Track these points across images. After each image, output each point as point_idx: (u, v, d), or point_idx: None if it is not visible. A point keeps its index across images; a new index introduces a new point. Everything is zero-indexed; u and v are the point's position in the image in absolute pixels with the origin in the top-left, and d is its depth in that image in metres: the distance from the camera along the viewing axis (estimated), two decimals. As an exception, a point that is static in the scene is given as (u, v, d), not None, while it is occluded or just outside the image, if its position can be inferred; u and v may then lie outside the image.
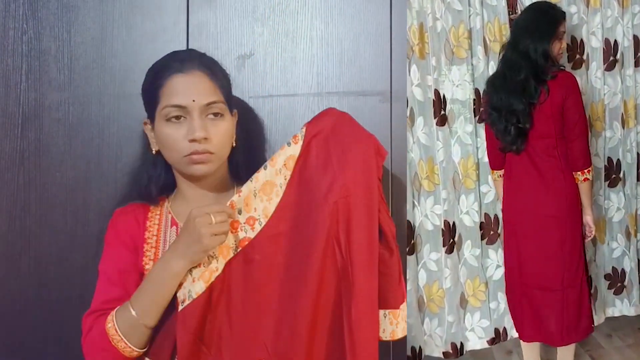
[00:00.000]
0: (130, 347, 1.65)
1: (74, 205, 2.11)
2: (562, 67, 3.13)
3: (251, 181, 1.73)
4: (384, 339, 1.79)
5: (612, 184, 3.69)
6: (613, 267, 3.77)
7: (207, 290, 1.67)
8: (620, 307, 3.79)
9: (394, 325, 1.79)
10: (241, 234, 1.72)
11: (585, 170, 3.12)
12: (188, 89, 1.70)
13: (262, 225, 1.72)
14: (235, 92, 1.91)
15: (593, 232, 3.23)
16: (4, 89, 2.09)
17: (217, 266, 1.69)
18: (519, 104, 3.02)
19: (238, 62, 2.08)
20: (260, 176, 1.73)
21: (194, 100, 1.69)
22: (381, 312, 1.78)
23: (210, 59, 1.82)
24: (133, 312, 1.65)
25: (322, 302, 1.72)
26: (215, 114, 1.73)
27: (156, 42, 2.08)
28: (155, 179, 1.86)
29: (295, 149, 1.74)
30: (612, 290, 3.78)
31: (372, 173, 1.75)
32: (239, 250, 1.71)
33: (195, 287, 1.67)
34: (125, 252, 1.78)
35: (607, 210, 3.75)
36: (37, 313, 2.10)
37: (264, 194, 1.73)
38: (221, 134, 1.74)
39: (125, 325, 1.65)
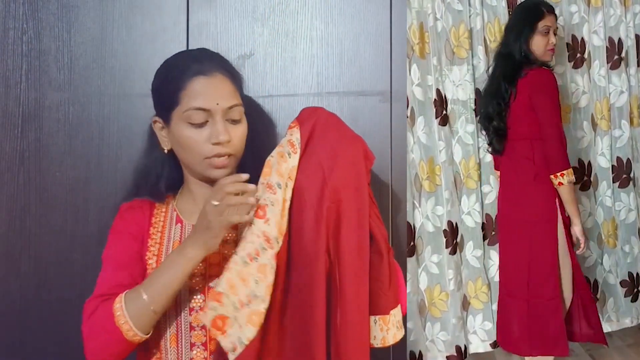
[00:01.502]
0: (133, 330, 1.64)
1: (74, 205, 2.11)
2: (546, 65, 3.06)
3: (273, 205, 1.67)
4: (375, 345, 1.77)
5: (623, 184, 3.66)
6: (629, 272, 3.73)
7: (259, 332, 1.63)
8: (637, 315, 3.74)
9: (384, 331, 1.77)
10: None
11: (559, 174, 3.00)
12: (211, 92, 1.70)
13: (280, 244, 1.67)
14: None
15: (583, 245, 3.09)
16: (4, 89, 2.09)
17: (265, 307, 1.64)
18: (491, 105, 3.00)
19: (238, 62, 2.08)
20: (279, 197, 1.68)
21: (217, 104, 1.70)
22: (371, 318, 1.76)
23: (227, 60, 1.83)
24: (144, 295, 1.64)
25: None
26: (235, 121, 1.73)
27: (156, 42, 2.09)
28: (165, 177, 1.86)
29: (295, 160, 1.71)
30: (630, 297, 3.74)
31: (362, 176, 1.73)
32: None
33: (245, 332, 1.62)
34: (133, 241, 1.79)
35: (619, 212, 3.72)
36: (37, 313, 2.10)
37: (284, 211, 1.69)
38: (240, 136, 1.75)
39: (133, 308, 1.64)
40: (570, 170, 3.01)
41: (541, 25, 3.03)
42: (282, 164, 1.70)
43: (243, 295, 1.62)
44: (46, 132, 2.10)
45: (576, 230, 3.07)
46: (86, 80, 2.10)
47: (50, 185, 2.10)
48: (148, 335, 1.69)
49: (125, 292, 1.68)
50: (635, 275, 3.70)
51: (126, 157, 2.08)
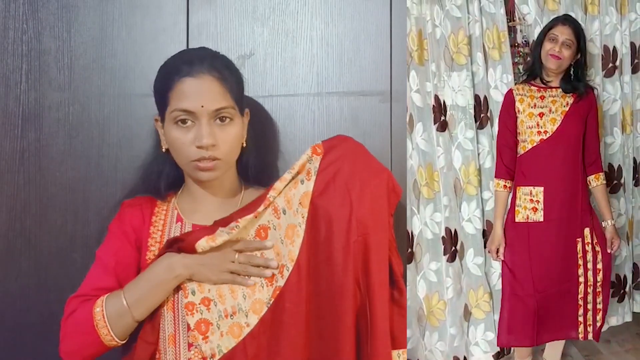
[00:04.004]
0: (111, 335, 1.66)
1: (74, 205, 2.11)
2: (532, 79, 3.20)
3: (274, 229, 1.72)
4: None
5: (614, 190, 3.67)
6: (617, 274, 3.74)
7: (239, 345, 1.67)
8: (622, 314, 3.75)
9: None
10: (274, 284, 1.71)
11: None
12: (197, 94, 1.68)
13: (290, 271, 1.70)
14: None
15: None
16: (4, 89, 2.09)
17: (247, 322, 1.69)
18: None
19: (238, 62, 2.07)
20: (282, 222, 1.72)
21: (202, 106, 1.68)
22: (395, 352, 1.77)
23: (222, 60, 1.80)
24: (124, 302, 1.66)
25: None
26: (223, 119, 1.72)
27: (156, 42, 2.09)
28: (165, 175, 1.85)
29: (308, 186, 1.72)
30: (616, 298, 3.75)
31: (386, 210, 1.74)
32: (272, 302, 1.70)
33: (224, 342, 1.67)
34: (127, 245, 1.79)
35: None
36: (37, 313, 2.10)
37: (287, 239, 1.71)
38: (230, 139, 1.73)
39: (113, 312, 1.66)
40: (496, 181, 3.22)
41: (550, 32, 3.10)
42: (292, 190, 1.73)
43: (229, 306, 1.69)
44: (46, 132, 2.10)
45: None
46: (86, 80, 2.11)
47: (50, 185, 2.10)
48: (124, 342, 1.71)
49: (106, 296, 1.69)
50: (622, 277, 3.70)
51: (126, 157, 2.08)
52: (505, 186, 3.15)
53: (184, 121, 1.69)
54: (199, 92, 1.69)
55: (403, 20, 2.12)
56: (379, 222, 1.73)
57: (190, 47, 2.08)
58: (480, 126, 3.32)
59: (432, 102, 3.22)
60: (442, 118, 3.26)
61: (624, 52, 3.64)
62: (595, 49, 3.58)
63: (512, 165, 3.17)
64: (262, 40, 2.11)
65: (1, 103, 2.09)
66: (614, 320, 3.73)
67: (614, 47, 3.62)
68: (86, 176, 2.10)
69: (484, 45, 3.37)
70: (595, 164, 3.20)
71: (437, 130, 3.22)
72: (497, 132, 3.24)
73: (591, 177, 3.20)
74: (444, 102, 3.28)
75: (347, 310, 1.69)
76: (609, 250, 3.16)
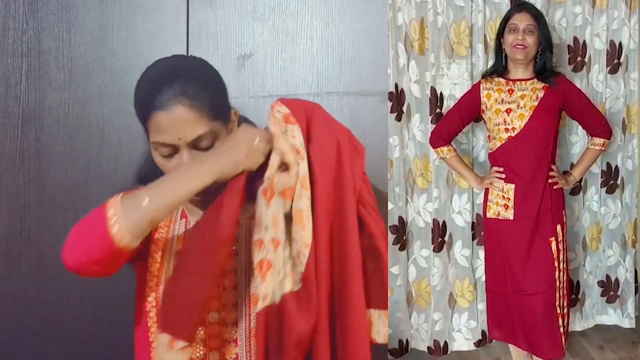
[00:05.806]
0: (124, 234, 1.43)
1: (74, 205, 2.12)
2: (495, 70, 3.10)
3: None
4: (379, 342, 1.75)
5: (610, 190, 3.65)
6: (607, 275, 3.73)
7: (290, 295, 1.63)
8: (613, 318, 3.74)
9: (385, 326, 1.77)
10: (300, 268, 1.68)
11: None
12: (171, 128, 1.58)
13: (307, 257, 1.67)
14: (235, 92, 1.90)
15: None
16: (4, 89, 2.10)
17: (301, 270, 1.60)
18: None
19: (238, 62, 2.08)
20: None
21: (179, 139, 1.64)
22: (375, 312, 1.74)
23: (193, 79, 1.62)
24: (146, 199, 1.48)
25: None
26: (206, 148, 1.67)
27: (156, 42, 2.09)
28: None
29: (304, 165, 1.67)
30: (605, 298, 3.74)
31: (344, 166, 1.66)
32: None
33: (283, 286, 1.55)
34: None
35: (604, 217, 3.70)
36: (37, 313, 2.11)
37: (297, 224, 1.67)
38: None
39: (131, 210, 1.47)
40: (437, 151, 3.05)
41: (509, 23, 3.01)
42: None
43: (295, 251, 1.57)
44: (46, 132, 2.11)
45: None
46: (86, 80, 2.11)
47: (50, 185, 2.11)
48: (136, 246, 1.50)
49: (121, 194, 1.50)
50: (614, 280, 3.70)
51: (126, 157, 2.08)
52: (450, 150, 3.01)
53: (165, 152, 1.66)
54: (173, 126, 1.57)
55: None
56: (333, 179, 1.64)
57: (190, 47, 2.08)
58: (476, 120, 3.30)
59: (429, 93, 3.21)
60: (438, 110, 3.25)
61: (632, 47, 3.59)
62: (600, 44, 3.56)
63: (447, 137, 3.05)
64: (262, 40, 2.11)
65: (1, 103, 2.11)
66: (605, 319, 3.73)
67: (620, 42, 3.59)
68: (86, 176, 2.11)
69: (485, 36, 3.35)
70: (598, 129, 3.11)
71: (432, 122, 3.21)
72: (447, 110, 3.10)
73: (595, 138, 3.11)
74: (440, 93, 3.27)
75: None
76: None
